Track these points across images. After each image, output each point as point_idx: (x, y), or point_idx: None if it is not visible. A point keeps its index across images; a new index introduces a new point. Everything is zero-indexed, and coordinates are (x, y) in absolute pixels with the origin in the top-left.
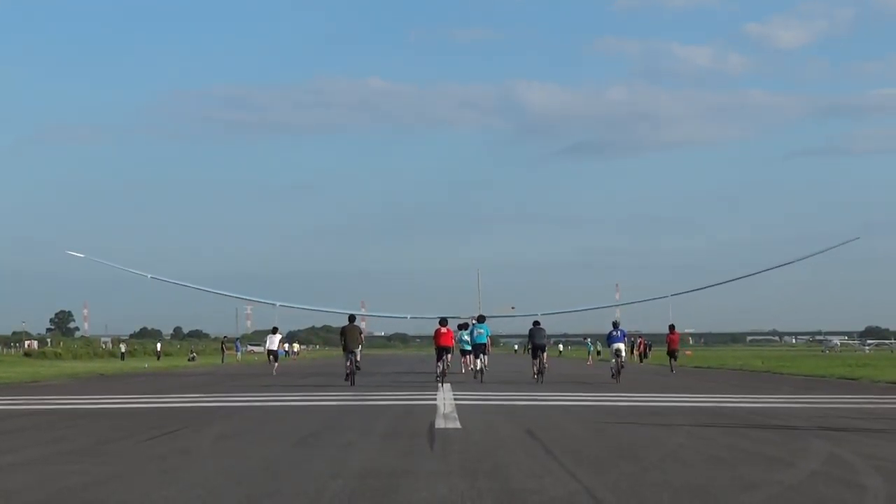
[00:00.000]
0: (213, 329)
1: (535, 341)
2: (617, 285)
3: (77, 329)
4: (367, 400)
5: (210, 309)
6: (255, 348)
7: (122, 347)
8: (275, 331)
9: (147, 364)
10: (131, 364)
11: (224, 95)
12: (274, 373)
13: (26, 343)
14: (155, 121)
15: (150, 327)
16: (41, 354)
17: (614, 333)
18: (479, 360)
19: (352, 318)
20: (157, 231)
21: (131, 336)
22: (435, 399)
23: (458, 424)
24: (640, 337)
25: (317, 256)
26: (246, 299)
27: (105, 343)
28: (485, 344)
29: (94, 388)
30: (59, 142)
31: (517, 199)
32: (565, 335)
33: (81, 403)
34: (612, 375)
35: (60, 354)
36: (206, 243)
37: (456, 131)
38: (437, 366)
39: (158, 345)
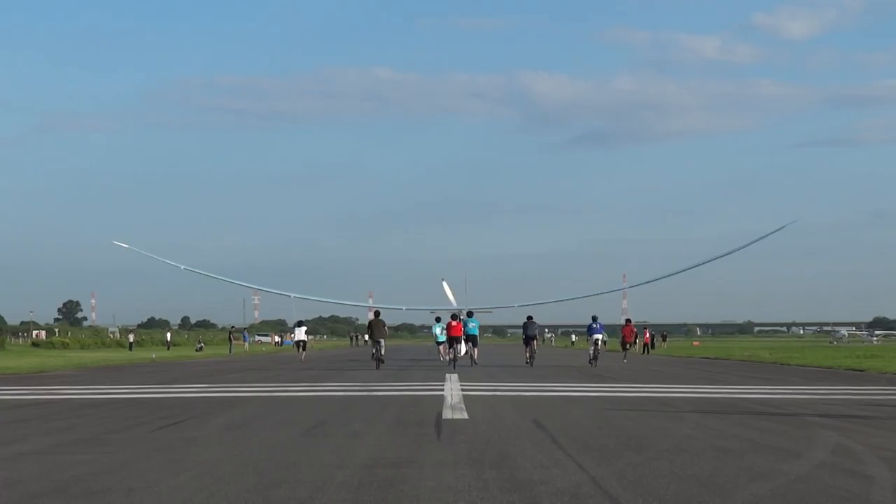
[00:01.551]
0: (221, 319)
1: (528, 332)
2: (624, 276)
3: (85, 319)
4: (375, 390)
5: (217, 299)
6: (263, 339)
7: (131, 337)
8: (300, 324)
9: (155, 354)
10: (139, 354)
11: (231, 85)
12: (302, 360)
13: (34, 333)
14: (163, 110)
15: (157, 317)
16: (49, 344)
17: (594, 326)
18: (475, 349)
19: (377, 313)
20: (165, 220)
21: (139, 326)
22: (442, 390)
23: (465, 415)
24: (645, 328)
25: (324, 247)
26: (265, 290)
27: (113, 333)
28: (476, 336)
29: (102, 377)
30: (65, 130)
31: (525, 189)
32: (552, 326)
33: (89, 393)
34: (589, 361)
35: (68, 344)
36: (211, 233)
37: (464, 121)
38: (449, 353)
39: (168, 334)
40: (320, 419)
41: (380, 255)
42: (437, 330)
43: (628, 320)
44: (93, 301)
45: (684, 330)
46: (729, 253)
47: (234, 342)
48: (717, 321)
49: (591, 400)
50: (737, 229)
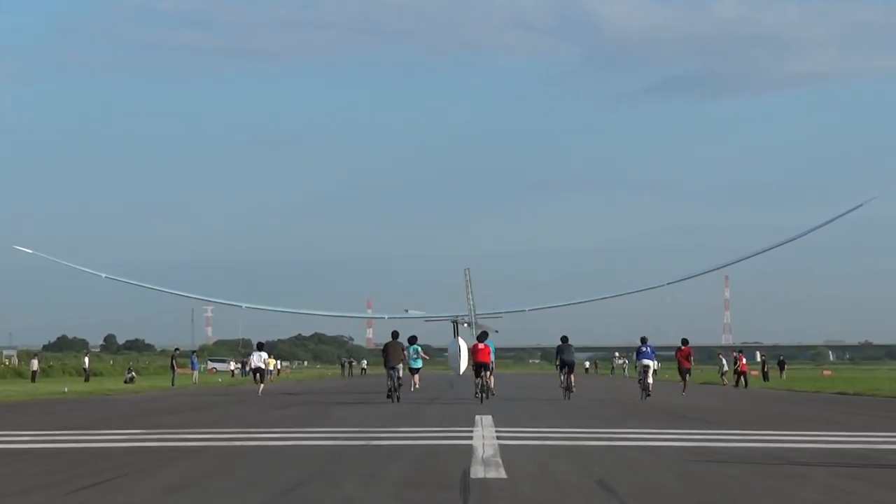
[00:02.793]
0: (161, 339)
1: (564, 357)
2: (727, 278)
3: None
4: (377, 437)
5: (155, 311)
6: (219, 365)
7: (34, 364)
8: (260, 347)
9: (67, 387)
10: (46, 387)
11: (176, 10)
12: (260, 393)
13: None
14: (80, 47)
15: (71, 336)
16: None
17: (643, 349)
18: (491, 377)
19: (395, 334)
20: (83, 204)
21: (45, 348)
22: (471, 436)
23: (502, 472)
24: (740, 352)
25: (304, 237)
26: (208, 300)
27: (9, 358)
28: (490, 361)
29: None
30: None
31: (582, 156)
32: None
33: None
34: (643, 391)
35: None
36: (146, 221)
37: (500, 62)
38: (476, 383)
39: (86, 359)
40: (299, 478)
41: (381, 250)
42: (413, 354)
43: (685, 341)
44: None
45: (811, 354)
46: (799, 236)
47: (177, 370)
48: (857, 342)
49: (674, 451)
50: (884, 212)
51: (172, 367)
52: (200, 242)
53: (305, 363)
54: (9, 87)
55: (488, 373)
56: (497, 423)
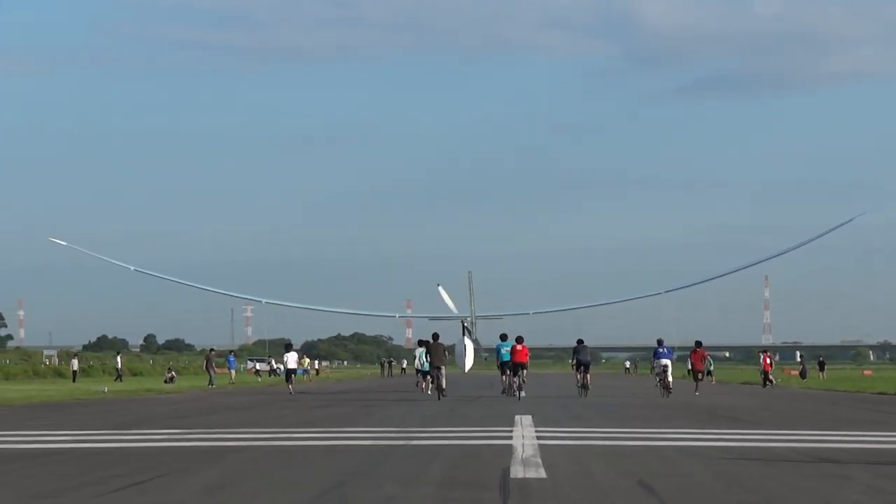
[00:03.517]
0: (200, 339)
1: (580, 357)
2: (766, 278)
3: (10, 338)
4: (416, 437)
5: (195, 310)
6: (260, 365)
7: (74, 364)
8: (288, 348)
9: (107, 387)
10: (85, 387)
11: (212, 10)
12: (291, 391)
13: None
14: (114, 45)
15: (111, 336)
16: None
17: (660, 350)
18: (517, 378)
19: (436, 336)
20: (118, 201)
21: (85, 348)
22: (510, 436)
23: (542, 473)
24: (765, 351)
25: (339, 235)
26: (221, 293)
27: (49, 357)
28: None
29: (33, 419)
30: None
31: (621, 155)
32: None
33: (14, 442)
34: (662, 390)
35: None
36: (189, 219)
37: (537, 61)
38: (514, 381)
39: (119, 359)
40: (338, 478)
41: (420, 248)
42: (424, 358)
43: (698, 343)
44: (20, 313)
45: (851, 354)
46: (786, 251)
47: (215, 370)
48: None
49: (713, 451)
50: None
51: (208, 367)
52: (239, 240)
53: (345, 363)
54: (43, 84)
55: (524, 371)
56: (537, 423)
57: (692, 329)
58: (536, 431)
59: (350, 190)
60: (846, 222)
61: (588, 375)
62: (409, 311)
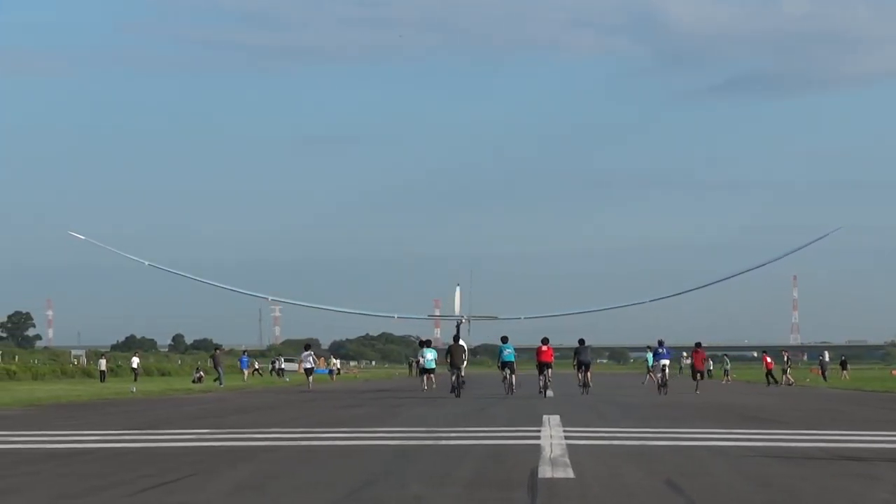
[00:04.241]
0: (229, 339)
1: (580, 358)
2: (795, 278)
3: (38, 338)
4: (444, 436)
5: (223, 311)
6: (287, 365)
7: (102, 364)
8: (307, 347)
9: (135, 387)
10: (113, 387)
11: (236, 10)
12: (310, 387)
13: None
14: (142, 45)
15: (140, 336)
16: None
17: (660, 351)
18: (513, 377)
19: (456, 337)
20: (144, 199)
21: (113, 348)
22: (538, 436)
23: (570, 472)
24: (764, 352)
25: (363, 235)
26: (228, 289)
27: (77, 357)
28: (513, 362)
29: (62, 419)
30: (5, 75)
31: (652, 155)
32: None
33: (43, 441)
34: (658, 388)
35: (15, 373)
36: (213, 217)
37: (565, 60)
38: (539, 379)
39: (136, 360)
40: (366, 478)
41: (441, 249)
42: (429, 356)
43: (698, 344)
44: (49, 313)
45: (880, 354)
46: (754, 268)
47: (221, 369)
48: None
49: (742, 451)
50: None
51: (215, 365)
52: (262, 239)
53: (373, 363)
54: (71, 84)
55: (549, 371)
56: (565, 423)
57: (721, 327)
58: (564, 431)
59: (372, 189)
60: (822, 237)
61: (589, 374)
62: (437, 311)
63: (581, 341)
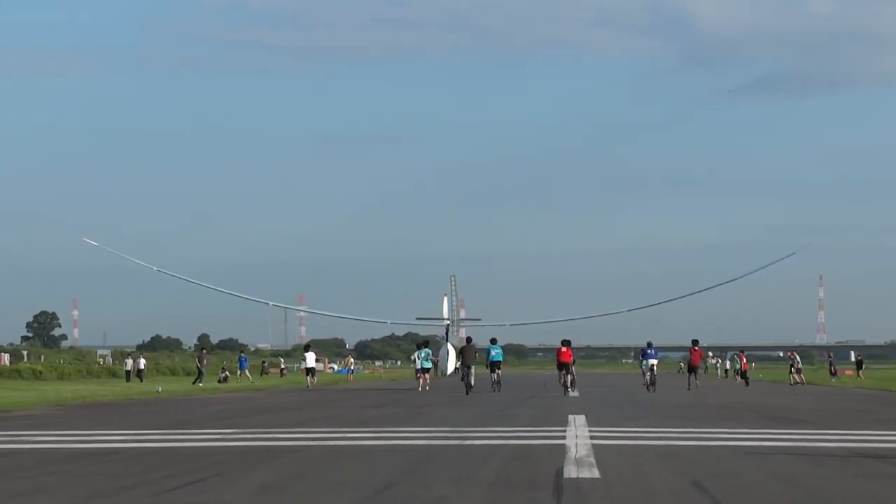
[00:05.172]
0: (254, 339)
1: (563, 358)
2: (821, 277)
3: (64, 338)
4: (468, 436)
5: (248, 311)
6: (318, 365)
7: (141, 363)
8: (307, 348)
9: (161, 387)
10: (139, 386)
11: (265, 10)
12: (309, 385)
13: None
14: (167, 45)
15: (165, 336)
16: (14, 373)
17: (649, 351)
18: (496, 374)
19: (468, 339)
20: (167, 201)
21: (139, 348)
22: (563, 436)
23: (595, 473)
24: (741, 352)
25: (386, 235)
26: (231, 294)
27: (103, 357)
28: (500, 362)
29: (88, 419)
30: (27, 73)
31: (677, 154)
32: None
33: (68, 441)
34: (647, 387)
35: (41, 373)
36: (235, 217)
37: (590, 60)
38: (560, 376)
39: (142, 361)
40: (390, 479)
41: (465, 249)
42: (424, 356)
43: (695, 342)
44: (75, 313)
45: None
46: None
47: (204, 367)
48: None
49: (767, 451)
50: None
51: (198, 365)
52: (286, 239)
53: (398, 362)
54: (97, 84)
55: (573, 370)
56: (590, 423)
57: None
58: (590, 431)
59: (395, 189)
60: (790, 255)
61: (570, 376)
62: (462, 313)
63: (564, 341)
